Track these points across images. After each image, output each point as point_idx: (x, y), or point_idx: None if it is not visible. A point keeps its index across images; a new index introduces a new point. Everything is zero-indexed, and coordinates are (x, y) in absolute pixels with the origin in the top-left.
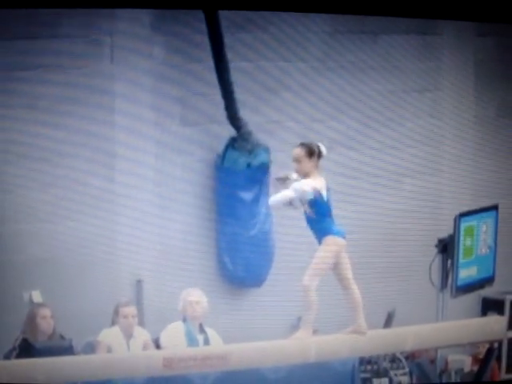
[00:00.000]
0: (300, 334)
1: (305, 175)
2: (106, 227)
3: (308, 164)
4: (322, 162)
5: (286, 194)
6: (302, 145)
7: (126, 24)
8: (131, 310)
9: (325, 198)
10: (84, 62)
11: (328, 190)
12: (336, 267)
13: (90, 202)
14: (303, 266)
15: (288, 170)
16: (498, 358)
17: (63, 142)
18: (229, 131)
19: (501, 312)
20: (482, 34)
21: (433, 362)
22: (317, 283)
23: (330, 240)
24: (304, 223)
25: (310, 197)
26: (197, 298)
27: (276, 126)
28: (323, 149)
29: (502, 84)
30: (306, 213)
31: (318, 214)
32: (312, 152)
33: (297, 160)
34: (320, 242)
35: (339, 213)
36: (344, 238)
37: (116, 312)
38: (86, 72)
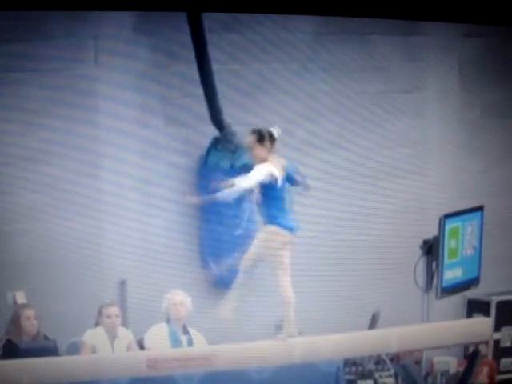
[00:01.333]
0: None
1: (260, 161)
2: (90, 227)
3: (261, 150)
4: (278, 146)
5: (243, 184)
6: (253, 131)
7: (109, 26)
8: (114, 309)
9: (278, 185)
10: (68, 64)
11: (289, 179)
12: (272, 260)
13: (74, 203)
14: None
15: None
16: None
17: (48, 143)
18: (212, 132)
19: (486, 313)
20: (468, 34)
21: (418, 363)
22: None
23: (271, 229)
24: None
25: (263, 180)
26: (181, 299)
27: (260, 126)
28: (275, 132)
29: (488, 84)
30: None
31: (267, 199)
32: (262, 137)
33: (250, 147)
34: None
35: (323, 213)
36: (292, 233)
37: (99, 312)
38: (70, 74)
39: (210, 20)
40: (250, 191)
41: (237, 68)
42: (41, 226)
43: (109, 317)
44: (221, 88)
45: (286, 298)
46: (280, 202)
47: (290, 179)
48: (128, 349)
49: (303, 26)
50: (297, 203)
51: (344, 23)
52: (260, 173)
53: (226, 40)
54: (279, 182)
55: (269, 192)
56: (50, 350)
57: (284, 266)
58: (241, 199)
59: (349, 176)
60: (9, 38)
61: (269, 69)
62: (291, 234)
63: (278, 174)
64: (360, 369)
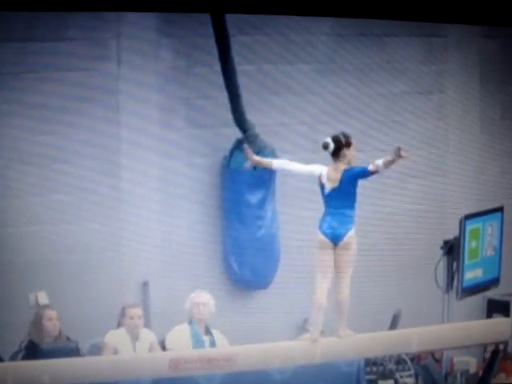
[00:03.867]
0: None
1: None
2: (113, 229)
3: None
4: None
5: (291, 166)
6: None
7: (132, 27)
8: (137, 311)
9: (325, 190)
10: (91, 65)
11: (338, 188)
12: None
13: (96, 204)
14: (309, 268)
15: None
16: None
17: (70, 142)
18: (235, 133)
19: (506, 314)
20: (487, 35)
21: (438, 361)
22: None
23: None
24: (309, 226)
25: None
26: (204, 300)
27: (282, 128)
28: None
29: (507, 86)
30: None
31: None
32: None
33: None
34: None
35: None
36: (328, 238)
37: (122, 313)
38: (92, 74)
39: (231, 21)
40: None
41: (257, 69)
42: (63, 227)
43: (132, 318)
44: (242, 89)
45: (315, 300)
46: (325, 207)
47: (343, 190)
48: (150, 350)
49: (323, 28)
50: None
51: (364, 25)
52: (308, 167)
53: (246, 42)
54: (325, 188)
55: (321, 195)
56: (71, 351)
57: (322, 270)
58: (264, 200)
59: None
60: (32, 36)
61: (288, 70)
62: (328, 240)
63: (326, 179)
64: (381, 369)
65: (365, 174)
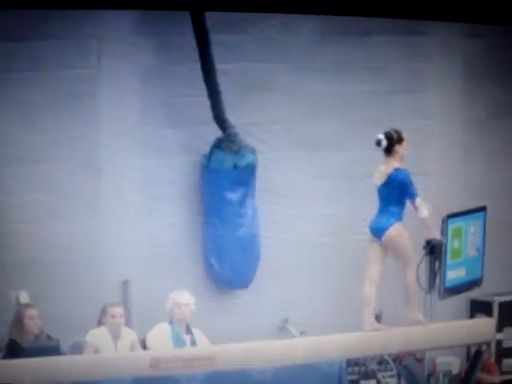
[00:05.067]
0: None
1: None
2: (93, 228)
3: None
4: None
5: None
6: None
7: (111, 26)
8: (119, 310)
9: (377, 185)
10: (70, 64)
11: (385, 184)
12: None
13: (77, 203)
14: (289, 266)
15: (274, 174)
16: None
17: (49, 144)
18: (215, 132)
19: (489, 314)
20: (471, 34)
21: (420, 361)
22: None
23: None
24: (291, 225)
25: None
26: (185, 301)
27: (262, 127)
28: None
29: (491, 85)
30: None
31: None
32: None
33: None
34: None
35: (325, 212)
36: (370, 232)
37: (104, 312)
38: (72, 74)
39: (210, 19)
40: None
41: (237, 68)
42: (44, 226)
43: (114, 317)
44: (222, 88)
45: (361, 293)
46: (380, 202)
47: (388, 187)
48: (131, 349)
49: (305, 26)
50: (299, 203)
51: (346, 23)
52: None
53: (226, 40)
54: (376, 184)
55: None
56: (52, 350)
57: (367, 263)
58: (244, 198)
59: (351, 176)
60: (10, 37)
61: (269, 69)
62: (372, 234)
63: (378, 175)
64: (363, 369)
65: (407, 194)
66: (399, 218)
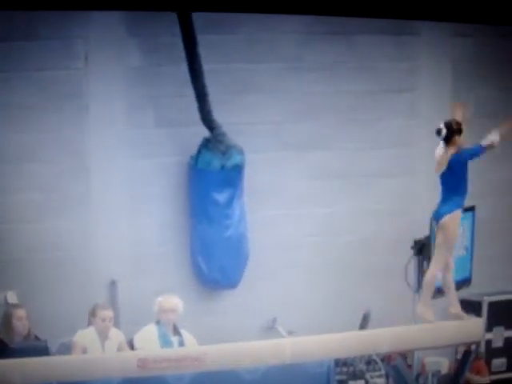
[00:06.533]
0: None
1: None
2: (81, 228)
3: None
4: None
5: None
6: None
7: (99, 26)
8: (109, 312)
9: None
10: (58, 64)
11: (446, 172)
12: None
13: (64, 204)
14: (278, 267)
15: (262, 174)
16: (488, 359)
17: (36, 143)
18: (203, 132)
19: (478, 314)
20: (459, 33)
21: (410, 366)
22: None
23: None
24: (279, 225)
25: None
26: (172, 306)
27: (249, 127)
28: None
29: (479, 84)
30: None
31: None
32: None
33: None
34: None
35: (312, 213)
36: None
37: (93, 314)
38: (60, 74)
39: (198, 20)
40: (240, 193)
41: (225, 68)
42: (31, 226)
43: (103, 320)
44: (208, 88)
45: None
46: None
47: (450, 174)
48: (119, 349)
49: (291, 26)
50: (287, 203)
51: (333, 23)
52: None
53: (213, 40)
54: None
55: None
56: (41, 350)
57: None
58: (231, 199)
59: (339, 176)
60: None
61: (256, 69)
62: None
63: (437, 166)
64: (351, 369)
65: (479, 152)
66: (458, 205)
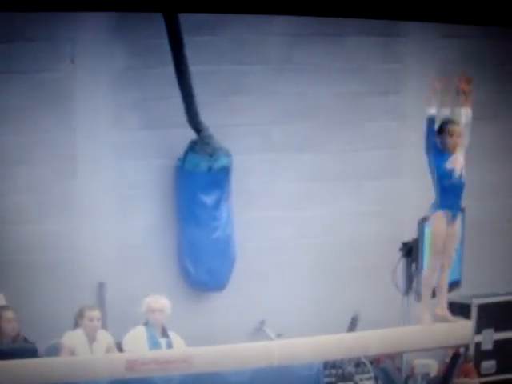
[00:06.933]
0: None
1: (454, 150)
2: (68, 230)
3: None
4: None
5: None
6: (454, 121)
7: (86, 28)
8: (96, 313)
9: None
10: (45, 66)
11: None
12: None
13: (52, 205)
14: (265, 269)
15: (249, 176)
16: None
17: (23, 145)
18: (190, 135)
19: (467, 316)
20: (446, 35)
21: (398, 369)
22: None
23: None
24: (267, 227)
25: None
26: (160, 306)
27: (236, 129)
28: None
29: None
30: None
31: None
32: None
33: (455, 134)
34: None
35: (301, 215)
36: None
37: (80, 315)
38: (47, 76)
39: (185, 21)
40: (227, 195)
41: (212, 69)
42: (18, 228)
43: (91, 320)
44: (195, 90)
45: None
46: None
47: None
48: (107, 351)
49: (280, 27)
50: (274, 205)
51: (320, 24)
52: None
53: (202, 41)
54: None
55: None
56: (29, 352)
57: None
58: (218, 201)
59: (326, 178)
60: None
61: (245, 70)
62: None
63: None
64: (340, 371)
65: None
66: (438, 206)
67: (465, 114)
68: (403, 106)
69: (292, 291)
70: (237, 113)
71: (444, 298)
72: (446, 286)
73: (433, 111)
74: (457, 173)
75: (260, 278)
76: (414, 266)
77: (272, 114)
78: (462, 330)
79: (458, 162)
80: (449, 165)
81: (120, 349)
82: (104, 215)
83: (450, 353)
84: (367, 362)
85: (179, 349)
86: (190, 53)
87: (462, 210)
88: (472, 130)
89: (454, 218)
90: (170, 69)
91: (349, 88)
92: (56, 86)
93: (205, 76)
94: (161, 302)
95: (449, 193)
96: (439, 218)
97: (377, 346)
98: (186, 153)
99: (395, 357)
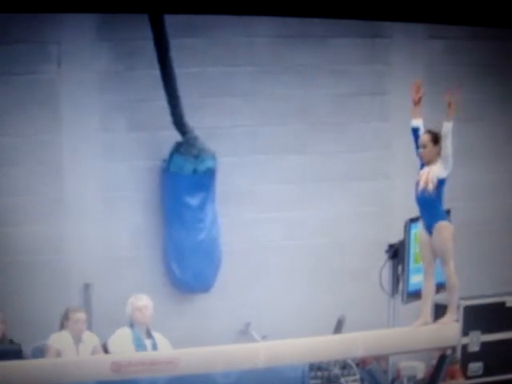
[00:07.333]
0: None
1: (428, 162)
2: (54, 231)
3: (433, 150)
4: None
5: None
6: (429, 132)
7: (72, 30)
8: (82, 314)
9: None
10: (31, 68)
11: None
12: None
13: (38, 207)
14: (251, 270)
15: (235, 178)
16: (464, 364)
17: (9, 147)
18: (175, 136)
19: None
20: (432, 36)
21: (385, 372)
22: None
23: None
24: (252, 229)
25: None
26: (145, 303)
27: (222, 131)
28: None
29: (452, 87)
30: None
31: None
32: (437, 139)
33: (423, 145)
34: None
35: (287, 216)
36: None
37: (66, 316)
38: (33, 78)
39: (171, 23)
40: (213, 197)
41: (198, 71)
42: (4, 229)
43: (76, 322)
44: (181, 92)
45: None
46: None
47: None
48: (93, 353)
49: (264, 29)
50: (260, 207)
51: (305, 25)
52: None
53: (186, 43)
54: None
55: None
56: (15, 354)
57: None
58: (204, 202)
59: (312, 180)
60: None
61: (231, 72)
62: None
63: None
64: (326, 373)
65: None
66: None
67: (444, 126)
68: (389, 107)
69: (278, 293)
70: (223, 114)
71: (429, 306)
72: (430, 295)
73: (415, 123)
74: (420, 186)
75: (245, 280)
76: (400, 267)
77: (258, 116)
78: (449, 331)
79: (423, 175)
80: (417, 176)
81: (105, 350)
82: (90, 217)
83: (435, 355)
84: (353, 364)
85: (165, 350)
86: (175, 54)
87: (448, 213)
88: (452, 142)
89: (427, 230)
90: (156, 71)
91: (335, 89)
92: (42, 88)
93: (190, 78)
94: (143, 298)
95: (419, 205)
96: (421, 230)
97: (363, 348)
98: (172, 154)
99: (381, 359)
